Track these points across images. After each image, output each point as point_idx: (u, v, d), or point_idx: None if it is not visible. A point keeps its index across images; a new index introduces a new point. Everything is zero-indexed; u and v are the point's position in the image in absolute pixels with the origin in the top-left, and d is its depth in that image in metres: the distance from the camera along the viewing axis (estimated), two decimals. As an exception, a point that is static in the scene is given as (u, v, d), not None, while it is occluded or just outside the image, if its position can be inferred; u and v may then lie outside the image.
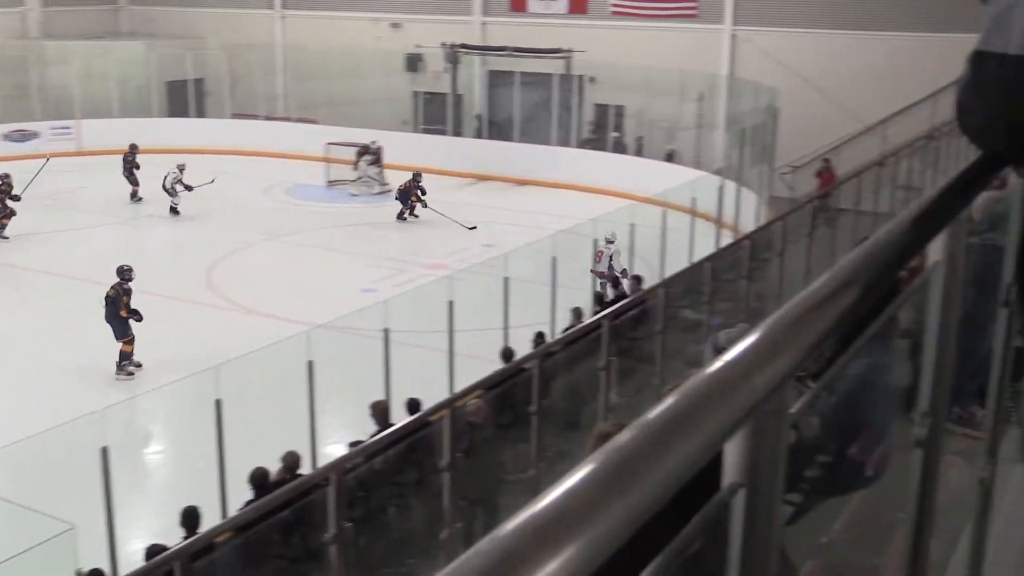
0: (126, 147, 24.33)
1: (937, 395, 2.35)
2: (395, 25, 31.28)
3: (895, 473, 3.11)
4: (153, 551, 7.94)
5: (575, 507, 0.90)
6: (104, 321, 14.61)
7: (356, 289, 17.48)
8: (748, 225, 20.13)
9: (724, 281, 14.09)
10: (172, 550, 6.96)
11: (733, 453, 1.28)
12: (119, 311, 14.65)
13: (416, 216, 23.31)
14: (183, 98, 31.33)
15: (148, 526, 10.32)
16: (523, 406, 9.46)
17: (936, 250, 2.22)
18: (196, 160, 27.89)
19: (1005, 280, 2.59)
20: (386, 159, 26.37)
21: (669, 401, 1.08)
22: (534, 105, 29.40)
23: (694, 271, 13.66)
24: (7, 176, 21.39)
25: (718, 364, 1.18)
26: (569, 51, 27.46)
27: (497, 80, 30.48)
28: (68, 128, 29.36)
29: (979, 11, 1.58)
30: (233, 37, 32.27)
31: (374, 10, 31.43)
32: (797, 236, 14.75)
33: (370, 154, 26.13)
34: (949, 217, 2.08)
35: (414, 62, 30.40)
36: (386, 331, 11.87)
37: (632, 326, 12.02)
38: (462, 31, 29.93)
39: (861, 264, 1.56)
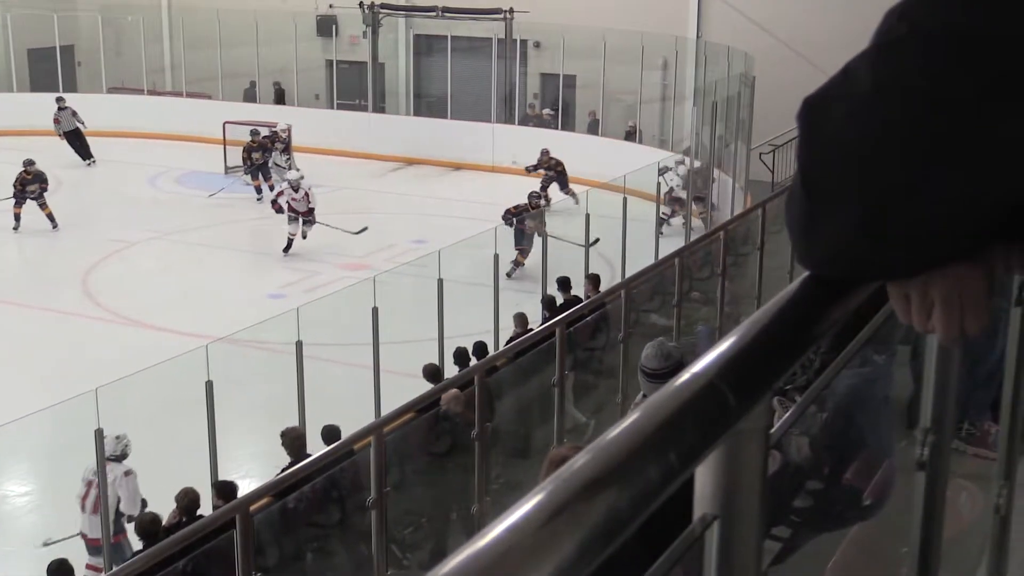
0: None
1: (942, 409, 2.38)
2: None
3: (897, 501, 3.15)
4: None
5: (522, 544, 0.90)
6: None
7: (262, 295, 17.38)
8: (724, 214, 20.29)
9: (696, 280, 14.18)
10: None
11: (705, 480, 1.28)
12: None
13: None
14: (49, 69, 30.87)
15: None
16: (463, 431, 9.46)
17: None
18: (63, 144, 27.58)
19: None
20: (296, 141, 26.16)
21: (630, 420, 1.09)
22: (469, 76, 29.37)
23: (661, 268, 13.74)
24: None
25: (685, 376, 1.19)
26: (509, 11, 27.46)
27: (425, 46, 30.43)
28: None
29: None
30: (109, -3, 31.94)
31: (279, -35, 31.29)
32: (779, 226, 14.89)
33: (280, 143, 25.87)
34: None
35: (327, 26, 30.27)
36: (299, 344, 11.81)
37: (590, 334, 12.06)
38: (383, -12, 29.84)
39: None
